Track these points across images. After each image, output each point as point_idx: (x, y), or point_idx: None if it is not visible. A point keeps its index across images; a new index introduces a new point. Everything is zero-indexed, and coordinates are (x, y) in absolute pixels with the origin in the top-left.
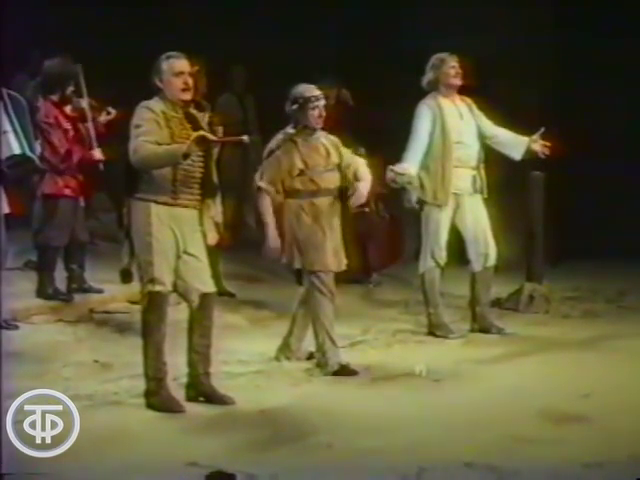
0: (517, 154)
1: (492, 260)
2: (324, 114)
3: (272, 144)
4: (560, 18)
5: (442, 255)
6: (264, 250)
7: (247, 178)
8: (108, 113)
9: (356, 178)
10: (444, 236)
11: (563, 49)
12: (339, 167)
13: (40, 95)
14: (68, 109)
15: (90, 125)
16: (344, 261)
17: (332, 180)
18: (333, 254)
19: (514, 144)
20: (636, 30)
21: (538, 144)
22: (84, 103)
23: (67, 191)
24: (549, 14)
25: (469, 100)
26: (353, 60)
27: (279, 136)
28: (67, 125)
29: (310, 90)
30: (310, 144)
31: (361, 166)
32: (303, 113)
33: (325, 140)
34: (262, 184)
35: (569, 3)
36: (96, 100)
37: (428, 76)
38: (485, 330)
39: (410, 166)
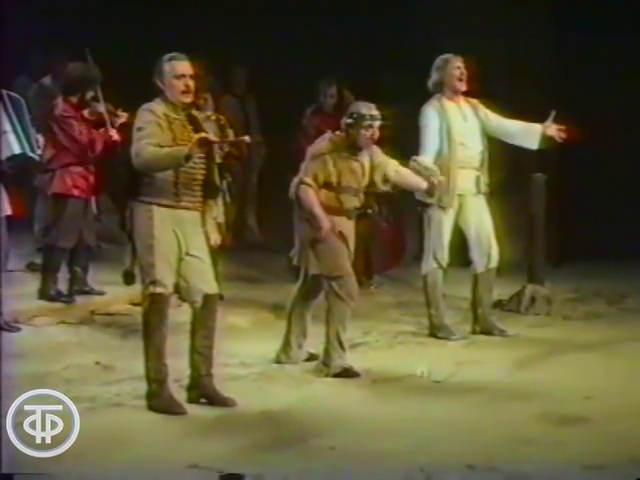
0: (532, 144)
1: (494, 261)
2: (376, 137)
3: (323, 147)
4: (561, 17)
5: (444, 256)
6: (319, 233)
7: (249, 179)
8: (117, 116)
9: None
10: (447, 237)
11: (564, 49)
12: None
13: (61, 95)
14: (85, 112)
15: (105, 114)
16: None
17: (355, 201)
18: (349, 258)
19: (527, 134)
20: (637, 29)
21: (553, 129)
22: (101, 107)
23: (76, 191)
24: (550, 14)
25: (474, 101)
26: (354, 60)
27: (324, 141)
28: (85, 127)
29: (367, 108)
30: (351, 163)
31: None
32: (356, 130)
33: (366, 161)
34: (307, 179)
35: (570, 3)
36: (113, 106)
37: (433, 78)
38: (487, 332)
39: (430, 160)
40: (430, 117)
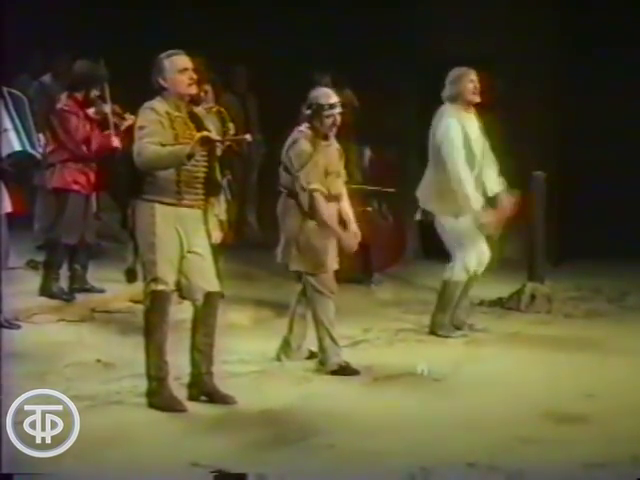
0: None
1: (483, 266)
2: (338, 122)
3: (304, 146)
4: (562, 18)
5: (476, 265)
6: (345, 245)
7: (249, 177)
8: (123, 118)
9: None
10: (481, 244)
11: (565, 48)
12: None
13: (66, 91)
14: (91, 111)
15: (110, 115)
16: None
17: (339, 186)
18: (334, 255)
19: None
20: (638, 29)
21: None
22: (107, 108)
23: (75, 186)
24: (551, 14)
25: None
26: (355, 59)
27: (303, 138)
28: (84, 125)
29: (326, 97)
30: (328, 149)
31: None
32: (318, 120)
33: (337, 145)
34: (315, 186)
35: (571, 4)
36: (120, 107)
37: (447, 91)
38: (458, 328)
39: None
40: (455, 132)
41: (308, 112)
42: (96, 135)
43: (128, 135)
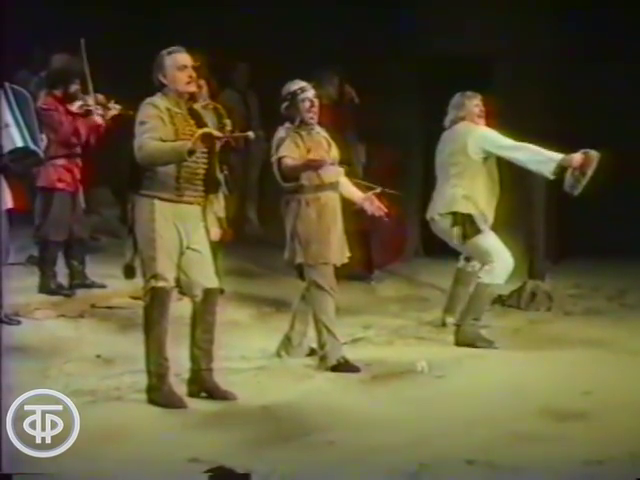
0: None
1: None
2: (317, 104)
3: (279, 134)
4: (562, 18)
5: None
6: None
7: (249, 173)
8: (108, 108)
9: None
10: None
11: (564, 48)
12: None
13: (45, 89)
14: (75, 107)
15: (93, 107)
16: (347, 253)
17: (335, 174)
18: (337, 247)
19: None
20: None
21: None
22: (90, 100)
23: (60, 185)
24: (551, 14)
25: None
26: (355, 56)
27: (281, 131)
28: (67, 118)
29: (295, 83)
30: (313, 138)
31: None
32: (295, 108)
33: (325, 134)
34: (282, 153)
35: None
36: (105, 96)
37: (451, 115)
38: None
39: None
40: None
41: (285, 105)
42: (82, 123)
43: (114, 124)
